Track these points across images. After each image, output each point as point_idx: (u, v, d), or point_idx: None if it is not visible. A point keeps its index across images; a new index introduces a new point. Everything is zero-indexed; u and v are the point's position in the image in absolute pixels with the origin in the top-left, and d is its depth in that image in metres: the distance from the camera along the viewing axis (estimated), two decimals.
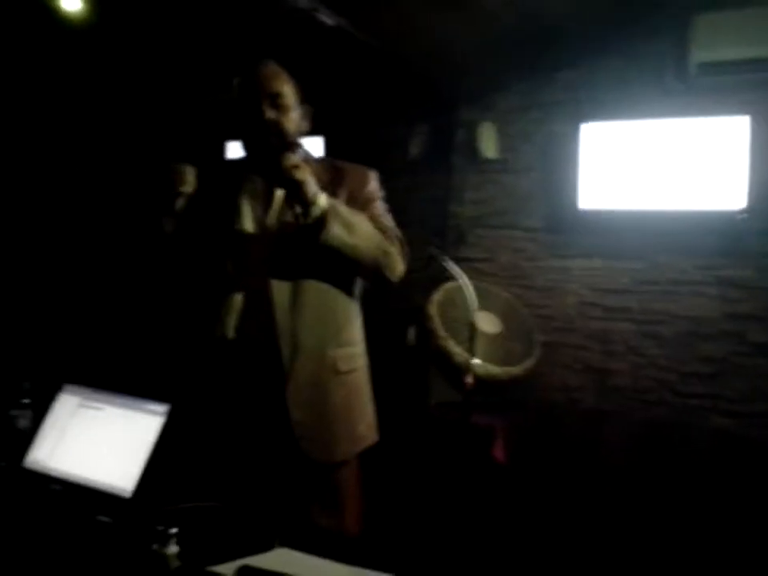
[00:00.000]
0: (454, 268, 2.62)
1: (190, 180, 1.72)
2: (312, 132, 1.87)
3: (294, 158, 1.64)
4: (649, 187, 3.42)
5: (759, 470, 3.16)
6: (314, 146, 3.78)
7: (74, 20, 3.39)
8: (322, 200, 1.63)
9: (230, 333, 1.70)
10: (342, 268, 1.74)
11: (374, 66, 3.68)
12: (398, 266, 1.77)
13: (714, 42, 3.16)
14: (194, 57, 3.87)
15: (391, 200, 1.94)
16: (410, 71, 3.71)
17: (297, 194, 1.62)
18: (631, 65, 3.56)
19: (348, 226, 1.66)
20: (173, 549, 1.16)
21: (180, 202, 1.72)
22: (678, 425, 3.40)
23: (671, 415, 3.43)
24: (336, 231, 1.63)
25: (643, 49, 3.51)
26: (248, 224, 1.74)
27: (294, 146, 1.76)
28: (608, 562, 3.04)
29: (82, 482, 1.49)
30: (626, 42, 3.53)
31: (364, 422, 1.84)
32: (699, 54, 3.21)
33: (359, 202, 1.79)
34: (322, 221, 1.62)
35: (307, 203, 1.61)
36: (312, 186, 1.62)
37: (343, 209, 1.68)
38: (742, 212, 3.21)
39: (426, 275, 3.70)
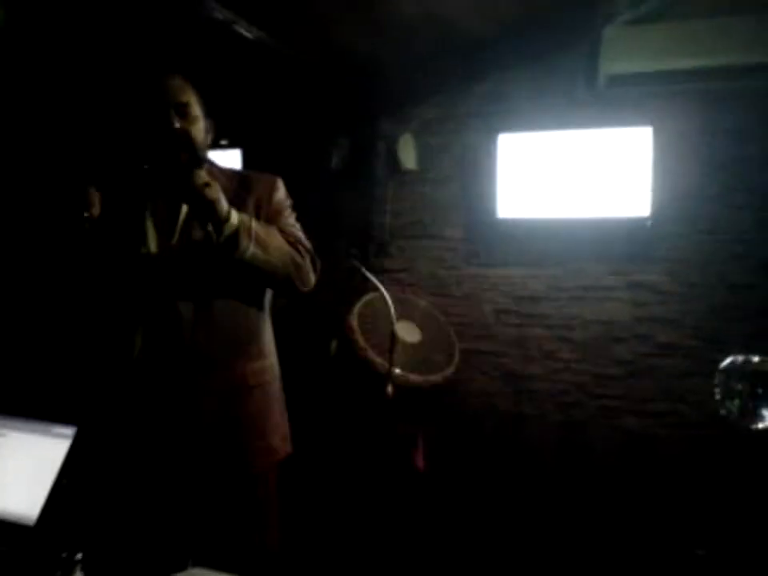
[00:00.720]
0: (373, 279, 2.65)
1: (95, 203, 1.64)
2: (230, 144, 1.84)
3: (204, 176, 1.58)
4: (563, 196, 3.52)
5: (666, 467, 3.31)
6: (232, 158, 3.75)
7: None
8: (234, 217, 1.60)
9: (136, 353, 1.66)
10: (252, 282, 1.73)
11: (294, 79, 3.67)
12: (309, 278, 1.76)
13: (622, 55, 3.25)
14: (103, 64, 3.75)
15: (312, 212, 1.92)
16: (330, 83, 3.72)
17: (208, 213, 1.57)
18: (544, 77, 3.64)
19: (260, 242, 1.63)
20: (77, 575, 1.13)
21: (86, 226, 1.64)
22: (592, 426, 3.51)
23: (586, 416, 3.53)
24: (249, 248, 1.61)
25: (555, 61, 3.60)
26: (152, 244, 1.69)
27: (202, 160, 1.73)
28: (525, 562, 3.11)
29: None
30: (539, 55, 3.60)
31: (278, 434, 1.82)
32: (608, 66, 3.29)
33: (267, 211, 1.77)
34: (234, 238, 1.59)
35: (219, 222, 1.58)
36: (223, 203, 1.58)
37: (255, 224, 1.65)
38: (647, 219, 3.37)
39: (349, 286, 3.72)
